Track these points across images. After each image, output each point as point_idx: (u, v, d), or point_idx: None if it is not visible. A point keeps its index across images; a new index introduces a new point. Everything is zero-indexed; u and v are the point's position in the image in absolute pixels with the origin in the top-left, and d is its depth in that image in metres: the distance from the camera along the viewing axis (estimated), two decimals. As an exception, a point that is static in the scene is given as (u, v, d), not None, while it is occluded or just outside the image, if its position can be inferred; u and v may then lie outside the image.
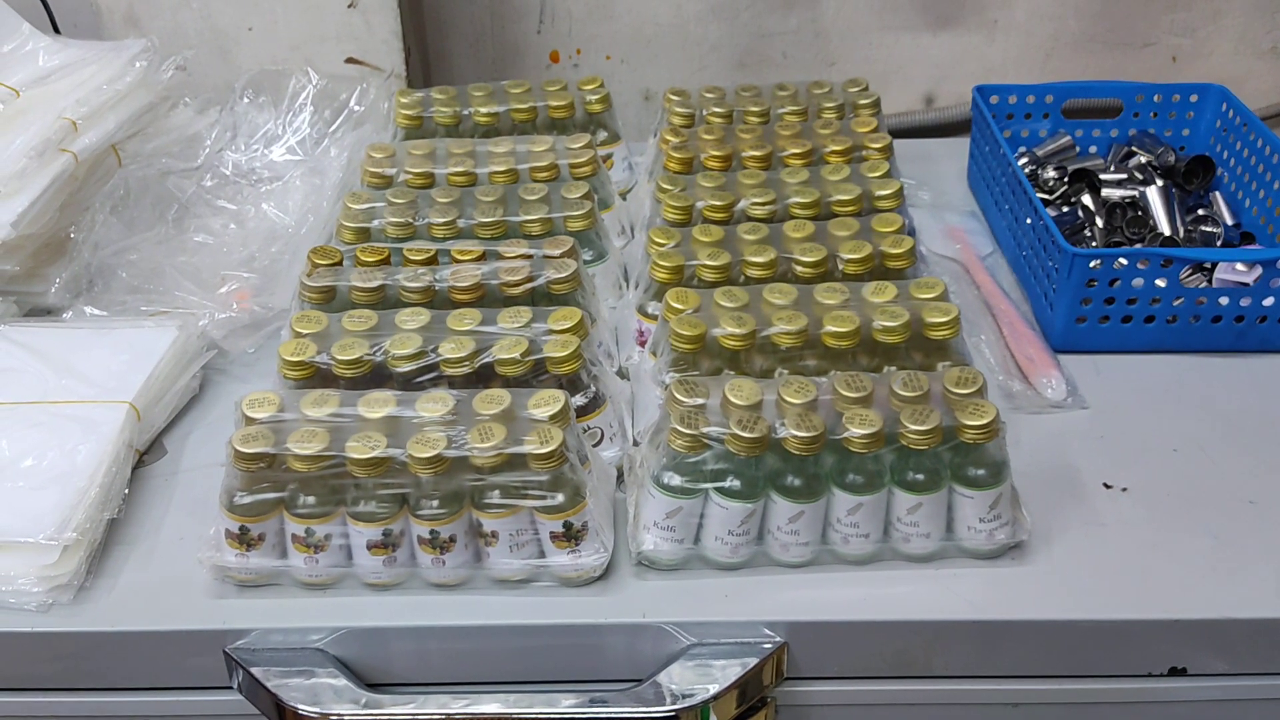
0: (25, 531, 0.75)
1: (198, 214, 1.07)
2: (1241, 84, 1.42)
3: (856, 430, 0.71)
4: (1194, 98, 1.17)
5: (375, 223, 0.94)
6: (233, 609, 0.75)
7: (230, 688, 0.75)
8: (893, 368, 0.81)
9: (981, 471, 0.73)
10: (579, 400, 0.80)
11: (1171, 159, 1.14)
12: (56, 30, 1.34)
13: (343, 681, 0.73)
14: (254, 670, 0.73)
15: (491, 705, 0.73)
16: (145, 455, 0.87)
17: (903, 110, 1.47)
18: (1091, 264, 0.91)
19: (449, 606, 0.74)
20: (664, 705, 0.71)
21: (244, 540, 0.74)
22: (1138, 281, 0.92)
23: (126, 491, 0.82)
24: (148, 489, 0.84)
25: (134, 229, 1.03)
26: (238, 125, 1.16)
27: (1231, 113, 1.13)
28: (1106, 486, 0.82)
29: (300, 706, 0.71)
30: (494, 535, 0.73)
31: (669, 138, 1.05)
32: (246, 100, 1.18)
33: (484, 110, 1.11)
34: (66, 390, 0.87)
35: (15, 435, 0.82)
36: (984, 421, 0.71)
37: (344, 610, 0.74)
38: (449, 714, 0.72)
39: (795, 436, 0.71)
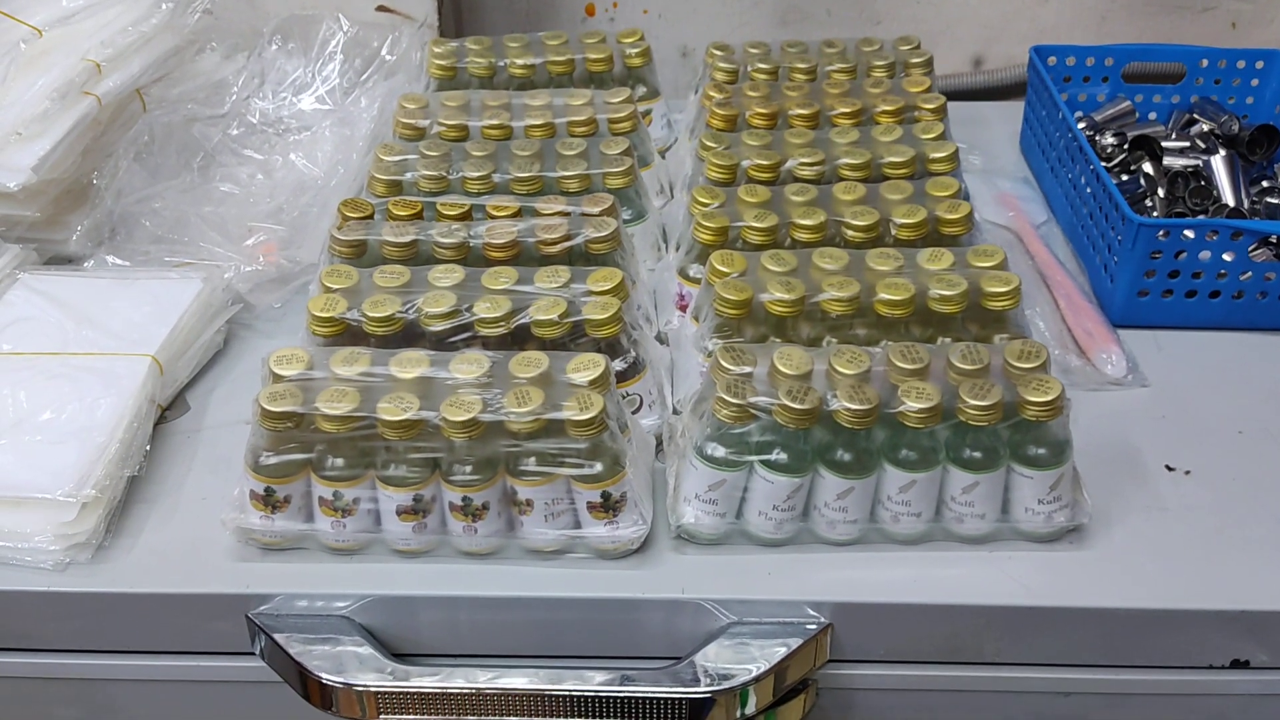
0: (43, 487, 0.72)
1: (224, 163, 1.03)
2: (1305, 52, 1.36)
3: (913, 404, 0.68)
4: (1259, 64, 1.12)
5: (408, 175, 0.90)
6: (256, 572, 0.72)
7: (252, 653, 0.72)
8: (947, 339, 0.77)
9: (1043, 450, 0.70)
10: (618, 365, 0.77)
11: (1235, 127, 1.09)
12: (81, -29, 1.30)
13: (368, 650, 0.70)
14: (277, 636, 0.70)
15: (520, 680, 0.70)
16: (167, 410, 0.84)
17: (950, 72, 1.42)
18: (1158, 235, 0.87)
19: (480, 576, 0.72)
20: (700, 686, 0.69)
21: (269, 502, 0.71)
22: (1204, 254, 0.88)
23: (148, 448, 0.79)
24: (170, 445, 0.81)
25: (158, 177, 1.00)
26: (266, 72, 1.12)
27: (1300, 80, 1.08)
28: (1169, 469, 0.79)
29: (324, 675, 0.69)
30: (529, 503, 0.70)
31: (712, 94, 1.01)
32: (275, 46, 1.14)
33: (520, 62, 1.07)
34: (87, 341, 0.84)
35: (34, 387, 0.80)
36: (1048, 398, 0.68)
37: (371, 577, 0.72)
38: (477, 688, 0.70)
39: (848, 409, 0.68)
